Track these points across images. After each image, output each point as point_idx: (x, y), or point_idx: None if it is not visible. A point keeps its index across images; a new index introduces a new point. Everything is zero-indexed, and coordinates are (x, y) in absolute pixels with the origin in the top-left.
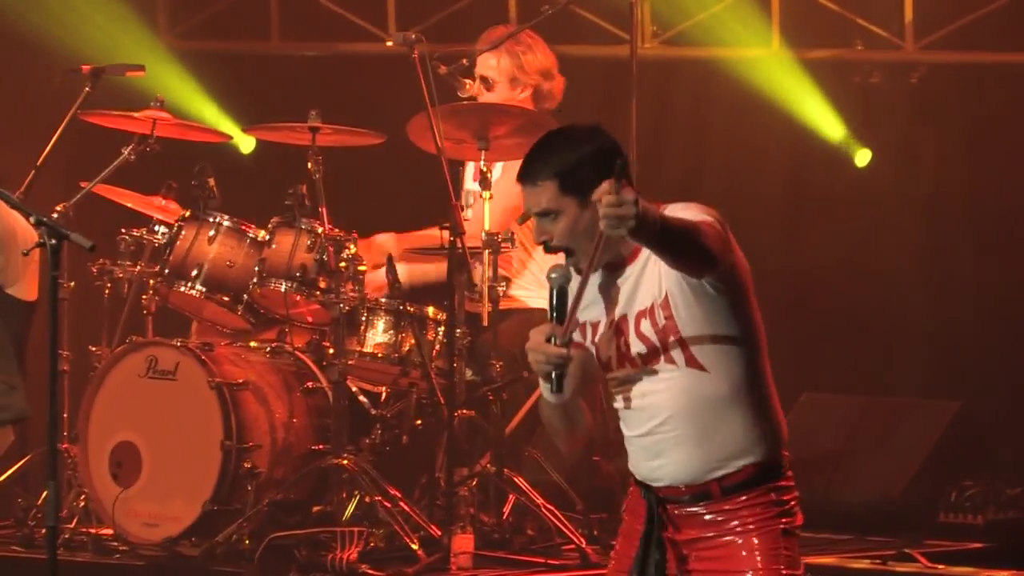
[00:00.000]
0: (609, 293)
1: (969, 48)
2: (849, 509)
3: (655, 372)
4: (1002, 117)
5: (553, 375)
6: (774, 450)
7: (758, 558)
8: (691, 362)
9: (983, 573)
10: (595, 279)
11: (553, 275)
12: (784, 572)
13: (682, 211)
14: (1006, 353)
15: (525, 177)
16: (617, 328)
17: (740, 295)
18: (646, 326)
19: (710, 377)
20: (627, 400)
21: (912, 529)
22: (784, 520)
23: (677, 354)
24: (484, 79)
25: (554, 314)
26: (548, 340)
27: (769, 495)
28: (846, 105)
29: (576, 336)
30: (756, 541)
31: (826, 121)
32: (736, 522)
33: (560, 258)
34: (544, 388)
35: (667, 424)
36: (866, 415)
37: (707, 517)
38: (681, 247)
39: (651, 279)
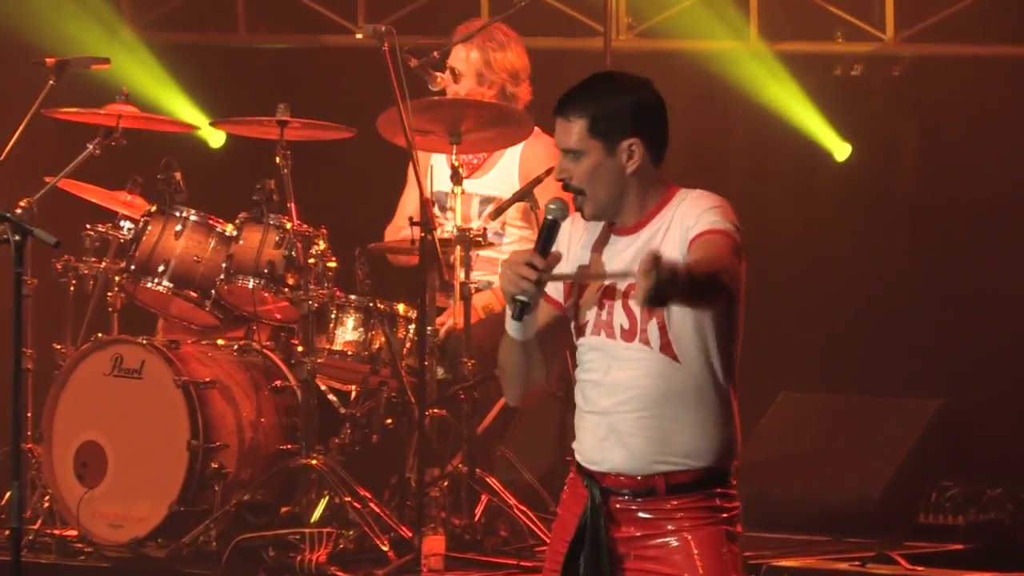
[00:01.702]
0: (607, 255)
1: (953, 40)
2: (827, 510)
3: (628, 349)
4: (986, 110)
5: (519, 299)
6: (726, 458)
7: (698, 562)
8: (666, 349)
9: (964, 575)
10: (592, 235)
11: (552, 206)
12: None
13: (704, 215)
14: (989, 350)
15: (560, 109)
16: (604, 293)
17: (734, 303)
18: (634, 303)
19: (681, 369)
20: (592, 371)
21: (891, 530)
22: (727, 527)
23: (655, 337)
24: (452, 70)
25: (541, 245)
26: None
27: (714, 500)
28: (826, 99)
29: (556, 294)
30: (696, 543)
31: (805, 115)
32: (676, 523)
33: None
34: (508, 315)
35: (628, 404)
36: (845, 414)
37: (646, 515)
38: (704, 299)
39: (651, 247)
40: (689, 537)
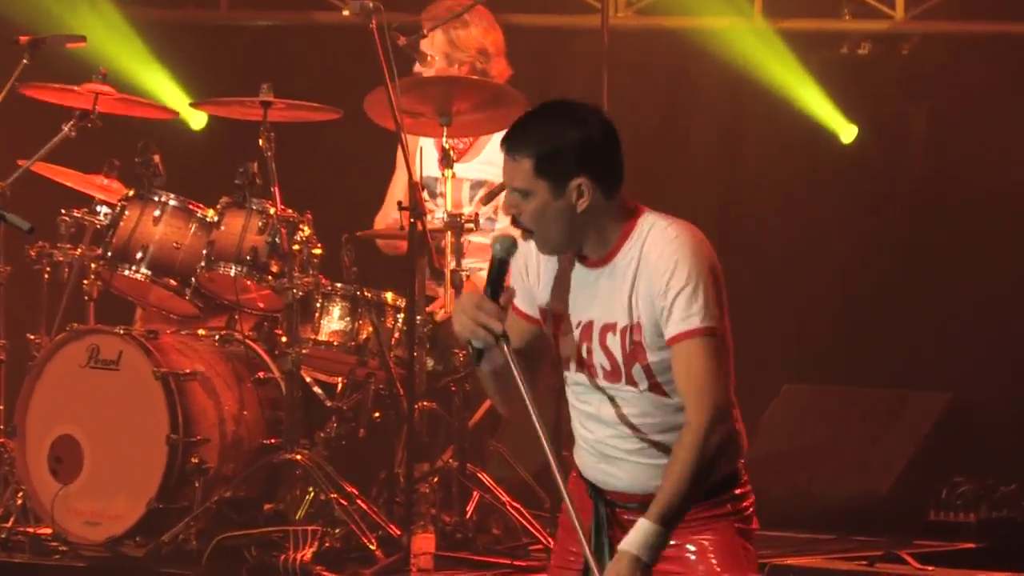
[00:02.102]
0: (577, 288)
1: (963, 17)
2: (833, 506)
3: (615, 389)
4: (997, 90)
5: (475, 345)
6: (731, 463)
7: (713, 561)
8: (655, 389)
9: (976, 575)
10: (552, 264)
11: (498, 245)
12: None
13: (675, 295)
14: (1000, 341)
15: (506, 146)
16: (582, 332)
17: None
18: (613, 342)
19: (672, 403)
20: (582, 403)
21: (900, 528)
22: (739, 524)
23: (641, 378)
24: (423, 55)
25: (489, 287)
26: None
27: (724, 506)
28: (832, 78)
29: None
30: (711, 544)
31: (810, 96)
32: (689, 528)
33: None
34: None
35: (622, 438)
36: (851, 407)
37: None
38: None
39: (623, 294)
40: (703, 541)
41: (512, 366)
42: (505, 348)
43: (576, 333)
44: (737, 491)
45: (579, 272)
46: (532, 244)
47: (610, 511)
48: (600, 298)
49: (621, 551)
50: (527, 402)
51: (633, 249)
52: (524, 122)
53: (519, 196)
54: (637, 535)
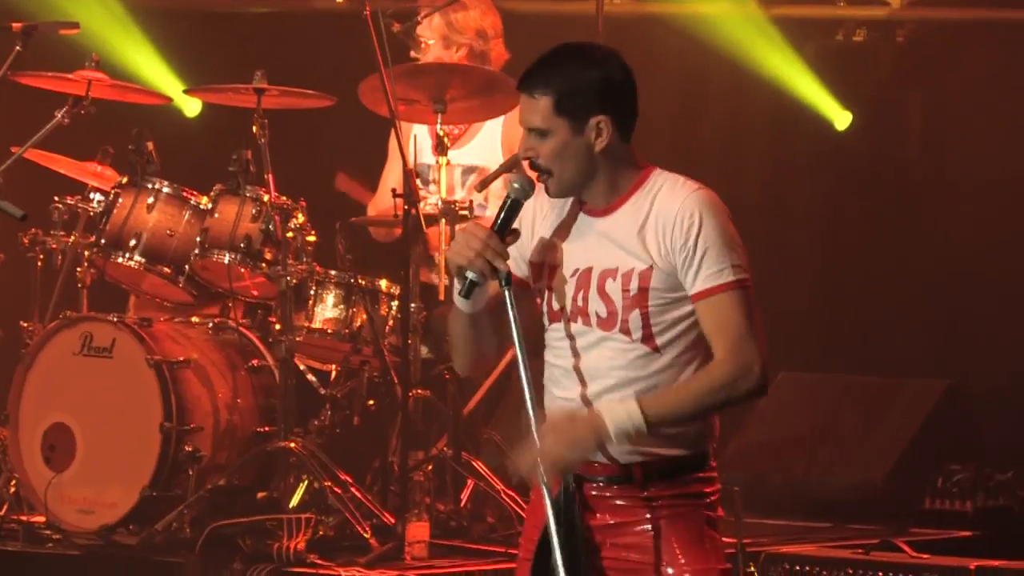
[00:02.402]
0: (577, 236)
1: (960, 4)
2: (828, 495)
3: (606, 338)
4: (994, 77)
5: (470, 276)
6: (705, 442)
7: (677, 550)
8: (647, 340)
9: (971, 563)
10: (560, 214)
11: (516, 184)
12: (706, 567)
13: (699, 247)
14: (998, 328)
15: (524, 86)
16: (579, 279)
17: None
18: (612, 288)
19: (660, 359)
20: (567, 357)
21: (896, 517)
22: (707, 512)
23: (636, 327)
24: (418, 41)
25: (501, 223)
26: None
27: (693, 486)
28: (827, 65)
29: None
30: (675, 532)
31: (805, 82)
32: (654, 512)
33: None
34: (455, 288)
35: (603, 394)
36: (847, 395)
37: (623, 502)
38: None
39: (629, 240)
40: (668, 525)
41: (509, 308)
42: (506, 291)
43: (572, 281)
44: (704, 474)
45: (581, 220)
46: (530, 201)
47: (577, 486)
48: (602, 245)
49: (593, 412)
50: (518, 345)
51: (643, 199)
52: (542, 61)
53: (536, 136)
54: (618, 410)
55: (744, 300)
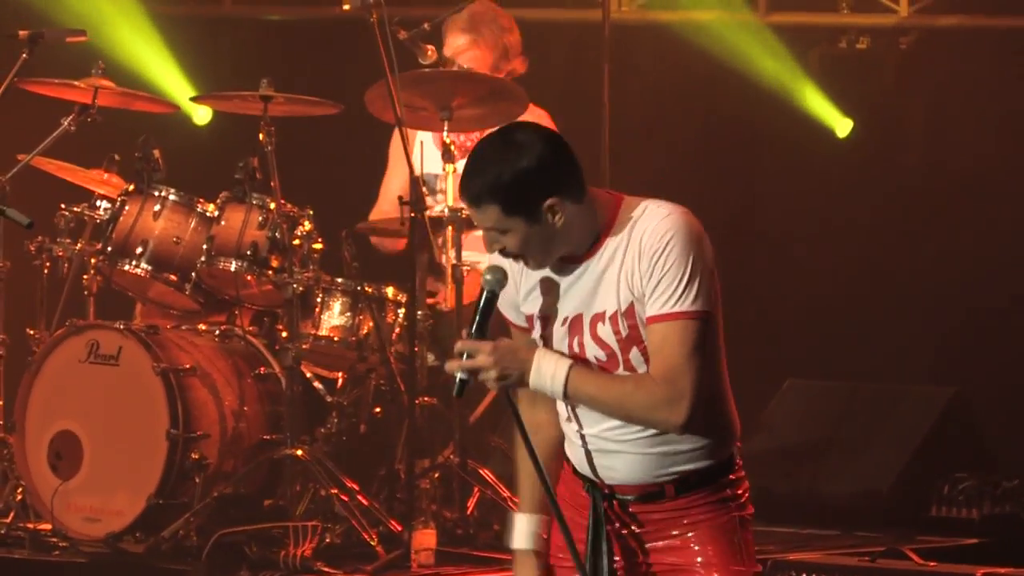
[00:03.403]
0: (562, 287)
1: (965, 12)
2: (835, 502)
3: None
4: (998, 85)
5: (460, 377)
6: (728, 447)
7: (710, 550)
8: None
9: (978, 571)
10: (542, 271)
11: (489, 276)
12: (739, 569)
13: (659, 274)
14: (1004, 336)
15: (466, 198)
16: (570, 327)
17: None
18: (605, 332)
19: None
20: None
21: (902, 524)
22: (738, 513)
23: (639, 362)
24: (422, 48)
25: (478, 323)
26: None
27: (723, 491)
28: (830, 72)
29: (522, 322)
30: (708, 533)
31: (807, 90)
32: (689, 518)
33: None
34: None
35: (618, 428)
36: (853, 402)
37: (656, 516)
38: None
39: (611, 283)
40: (700, 529)
41: (513, 411)
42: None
43: (564, 330)
44: (733, 476)
45: (562, 271)
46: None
47: (607, 503)
48: (586, 290)
49: (533, 354)
50: (527, 444)
51: (621, 236)
52: (473, 171)
53: (497, 233)
54: (547, 367)
55: (692, 333)
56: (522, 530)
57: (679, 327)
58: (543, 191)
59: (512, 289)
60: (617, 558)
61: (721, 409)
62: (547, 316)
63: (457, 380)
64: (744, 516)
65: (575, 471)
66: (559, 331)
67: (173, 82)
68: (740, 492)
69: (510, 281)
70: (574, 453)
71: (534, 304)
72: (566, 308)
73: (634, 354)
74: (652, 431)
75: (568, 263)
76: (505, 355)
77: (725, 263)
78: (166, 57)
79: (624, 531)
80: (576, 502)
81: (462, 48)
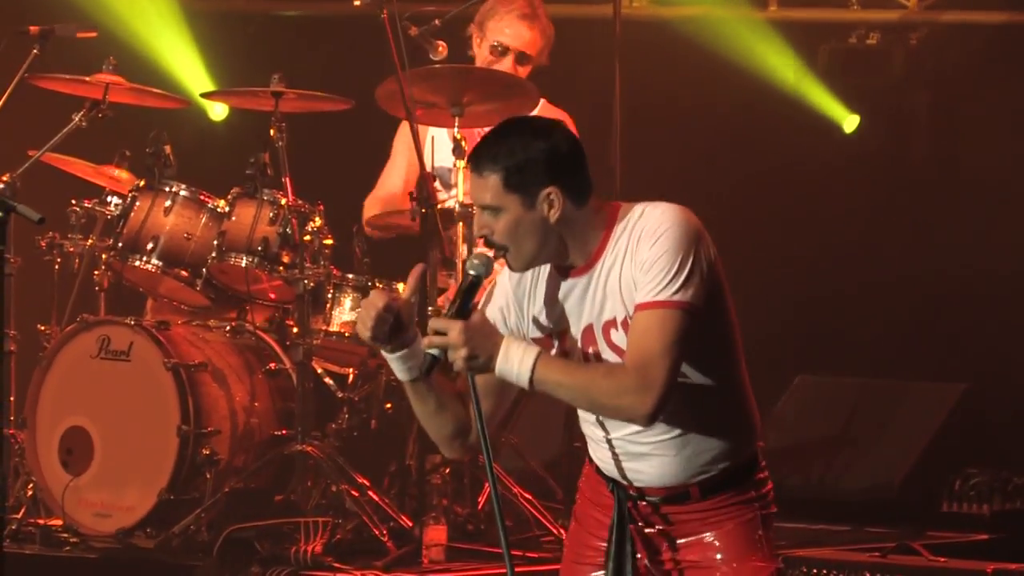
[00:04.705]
0: (569, 300)
1: (975, 7)
2: (846, 498)
3: None
4: (1008, 81)
5: (430, 352)
6: (751, 445)
7: (731, 547)
8: None
9: (988, 566)
10: (545, 285)
11: (476, 261)
12: (759, 564)
13: (651, 264)
14: (1013, 332)
15: (472, 165)
16: (584, 338)
17: (713, 315)
18: (618, 337)
19: (688, 384)
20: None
21: (913, 520)
22: (762, 511)
23: None
24: (507, 48)
25: (459, 305)
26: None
27: (748, 492)
28: (840, 67)
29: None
30: (731, 531)
31: (816, 85)
32: (714, 517)
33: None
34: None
35: (646, 431)
36: (864, 398)
37: (682, 517)
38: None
39: (614, 289)
40: (725, 527)
41: (473, 391)
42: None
43: (580, 341)
44: (759, 476)
45: (567, 284)
46: (519, 279)
47: (632, 504)
48: (594, 300)
49: (501, 341)
50: (481, 430)
51: (620, 240)
52: (488, 140)
53: (490, 215)
54: (515, 356)
55: (674, 323)
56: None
57: (661, 316)
58: (545, 177)
59: (517, 315)
60: (639, 555)
61: (745, 408)
62: (561, 331)
63: (426, 357)
64: (767, 514)
65: (599, 471)
66: (576, 341)
67: (190, 77)
68: (765, 492)
69: (515, 308)
70: (601, 456)
71: (547, 321)
72: (576, 320)
73: None
74: (677, 432)
75: (571, 276)
76: (476, 336)
77: (734, 259)
78: (181, 52)
79: (648, 529)
80: (598, 500)
81: (524, 35)
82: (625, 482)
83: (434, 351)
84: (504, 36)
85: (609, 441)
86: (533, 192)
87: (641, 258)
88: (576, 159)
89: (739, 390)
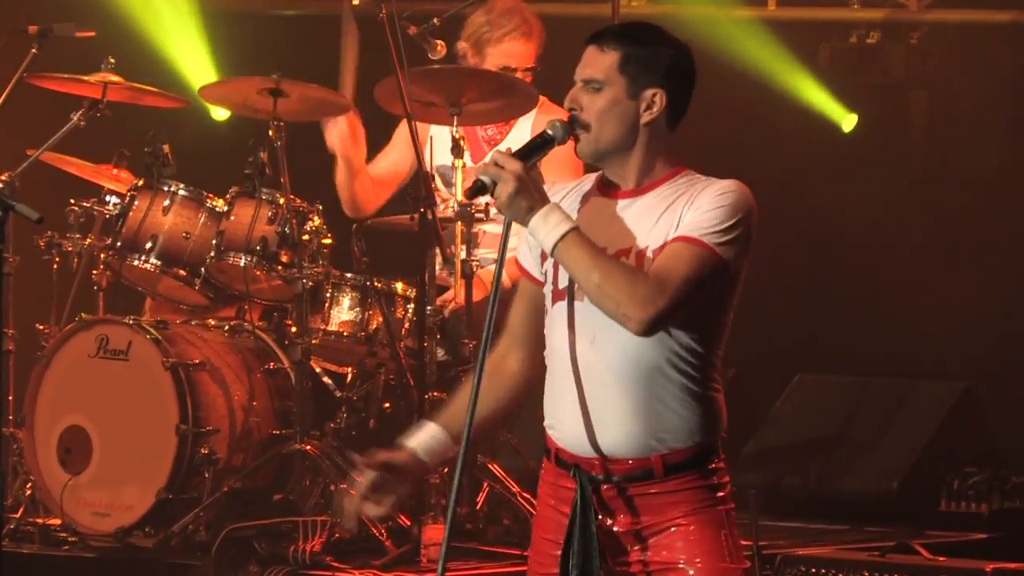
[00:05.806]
0: (596, 220)
1: (976, 6)
2: (844, 497)
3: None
4: (1009, 80)
5: (482, 178)
6: (714, 432)
7: (698, 548)
8: None
9: (987, 566)
10: (580, 202)
11: (556, 123)
12: (727, 566)
13: (704, 215)
14: (1014, 330)
15: (595, 39)
16: (636, 260)
17: (724, 294)
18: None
19: (677, 340)
20: (580, 336)
21: (912, 519)
22: (722, 507)
23: None
24: (515, 69)
25: (524, 150)
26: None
27: (710, 478)
28: (840, 66)
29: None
30: (696, 528)
31: (815, 85)
32: (676, 508)
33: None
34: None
35: (614, 377)
36: (863, 397)
37: (644, 500)
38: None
39: (651, 221)
40: (691, 524)
41: (486, 334)
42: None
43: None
44: (716, 465)
45: (603, 204)
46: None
47: (593, 490)
48: (621, 225)
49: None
50: (477, 377)
51: (678, 188)
52: (620, 25)
53: (589, 90)
54: (552, 222)
55: (704, 263)
56: (421, 436)
57: (698, 252)
58: (660, 77)
59: None
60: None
61: (712, 394)
62: (628, 249)
63: (476, 181)
64: (729, 511)
65: (559, 461)
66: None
67: (191, 76)
68: (724, 482)
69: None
70: (562, 424)
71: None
72: (607, 240)
73: None
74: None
75: (611, 198)
76: (529, 183)
77: None
78: (186, 51)
79: (612, 525)
80: (558, 496)
81: (529, 52)
82: (590, 454)
83: (486, 177)
84: (511, 60)
85: (575, 399)
86: (642, 84)
87: (700, 203)
88: (690, 81)
89: (712, 376)
